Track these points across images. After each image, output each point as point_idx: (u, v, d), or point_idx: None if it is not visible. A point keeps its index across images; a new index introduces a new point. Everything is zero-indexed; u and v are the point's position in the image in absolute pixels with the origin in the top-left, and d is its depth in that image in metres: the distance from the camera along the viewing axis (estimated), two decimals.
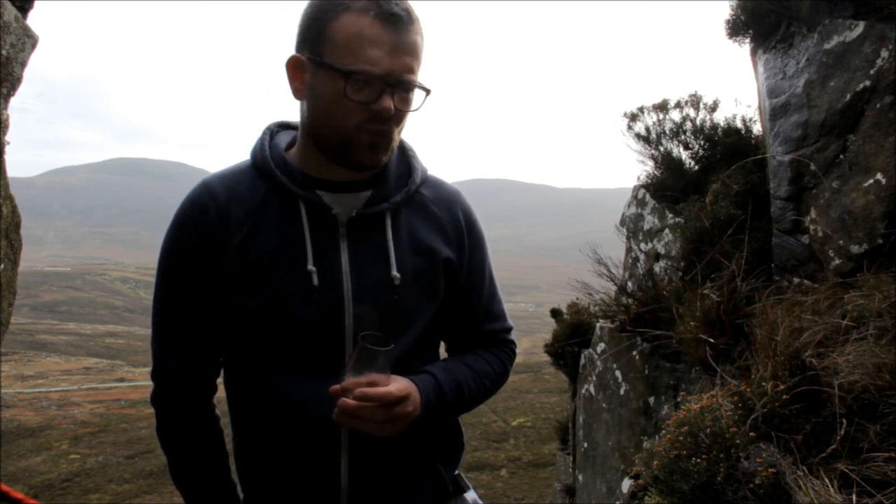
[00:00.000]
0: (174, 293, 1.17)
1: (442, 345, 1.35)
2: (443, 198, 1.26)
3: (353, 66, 1.03)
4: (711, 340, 3.00)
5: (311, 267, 1.12)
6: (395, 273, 1.15)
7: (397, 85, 1.06)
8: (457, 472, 1.35)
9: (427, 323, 1.22)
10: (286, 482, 1.19)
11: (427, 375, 1.18)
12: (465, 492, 1.34)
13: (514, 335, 1.38)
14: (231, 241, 1.12)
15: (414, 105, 1.11)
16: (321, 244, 1.14)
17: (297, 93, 1.12)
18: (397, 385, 1.08)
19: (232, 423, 1.25)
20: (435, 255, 1.21)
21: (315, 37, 1.07)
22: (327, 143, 1.11)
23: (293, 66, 1.10)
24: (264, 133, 1.23)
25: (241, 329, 1.16)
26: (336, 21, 1.04)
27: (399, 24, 1.04)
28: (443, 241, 1.23)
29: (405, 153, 1.26)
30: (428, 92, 1.11)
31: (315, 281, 1.12)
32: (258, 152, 1.19)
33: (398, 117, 1.10)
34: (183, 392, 1.21)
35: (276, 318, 1.13)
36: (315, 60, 1.07)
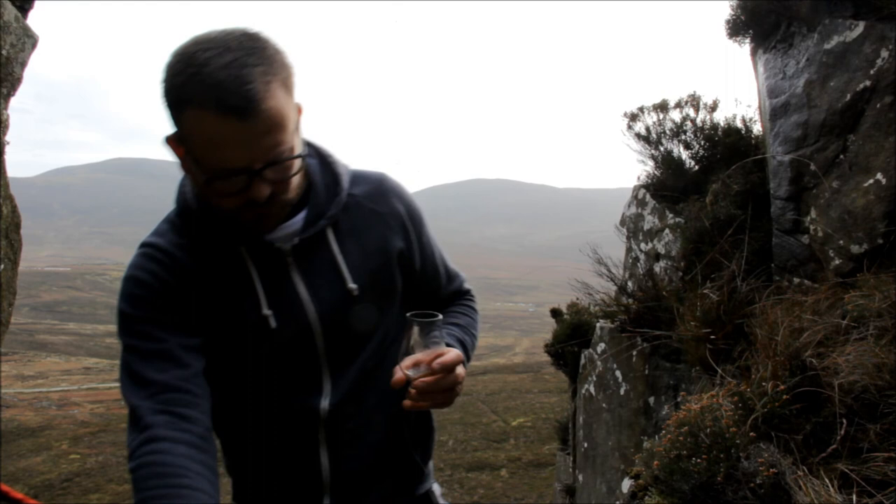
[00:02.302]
0: (137, 346, 1.11)
1: None
2: (374, 191, 1.26)
3: (212, 165, 0.98)
4: (712, 339, 3.00)
5: (265, 311, 1.12)
6: (351, 286, 1.17)
7: (264, 169, 1.00)
8: (430, 460, 1.42)
9: (397, 311, 1.27)
10: (271, 481, 1.24)
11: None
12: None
13: (467, 282, 1.47)
14: (182, 303, 1.11)
15: (292, 170, 1.05)
16: (273, 282, 1.14)
17: (181, 167, 1.08)
18: (453, 350, 1.13)
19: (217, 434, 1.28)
20: (387, 252, 1.23)
21: (174, 122, 1.00)
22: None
23: (171, 143, 1.05)
24: (182, 186, 1.18)
25: (211, 367, 1.15)
26: (183, 114, 0.97)
27: (244, 115, 0.94)
28: (389, 235, 1.24)
29: (326, 160, 1.23)
30: (302, 157, 1.06)
31: (273, 324, 1.13)
32: (183, 209, 1.15)
33: (280, 187, 1.05)
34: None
35: (244, 359, 1.16)
36: (182, 147, 1.03)
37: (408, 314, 1.10)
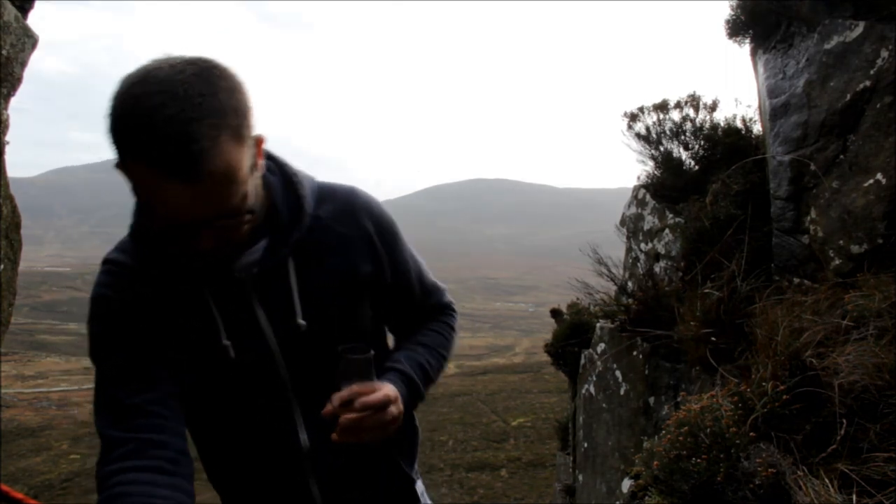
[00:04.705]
0: (109, 369, 1.10)
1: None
2: (341, 210, 1.19)
3: (153, 213, 0.94)
4: (713, 339, 3.00)
5: (224, 341, 1.10)
6: (300, 321, 1.12)
7: (212, 223, 0.95)
8: (416, 460, 1.42)
9: (367, 334, 1.23)
10: None
11: (393, 372, 1.20)
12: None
13: (448, 296, 1.41)
14: (149, 322, 1.09)
15: (243, 219, 0.99)
16: (232, 311, 1.11)
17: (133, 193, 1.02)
18: (387, 387, 1.11)
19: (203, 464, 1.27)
20: (351, 280, 1.18)
21: (118, 161, 0.93)
22: None
23: (120, 170, 0.96)
24: (140, 205, 1.10)
25: (185, 395, 1.14)
26: (126, 161, 0.91)
27: (188, 178, 0.88)
28: (356, 259, 1.18)
29: (289, 180, 1.15)
30: (252, 212, 1.00)
31: (232, 354, 1.10)
32: (141, 232, 1.10)
33: (232, 233, 1.00)
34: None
35: (211, 388, 1.14)
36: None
37: (339, 347, 1.08)
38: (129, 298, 1.09)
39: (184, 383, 1.11)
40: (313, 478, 1.20)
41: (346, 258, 1.18)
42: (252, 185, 0.98)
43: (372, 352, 1.08)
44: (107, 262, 1.13)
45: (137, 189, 0.93)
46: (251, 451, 1.19)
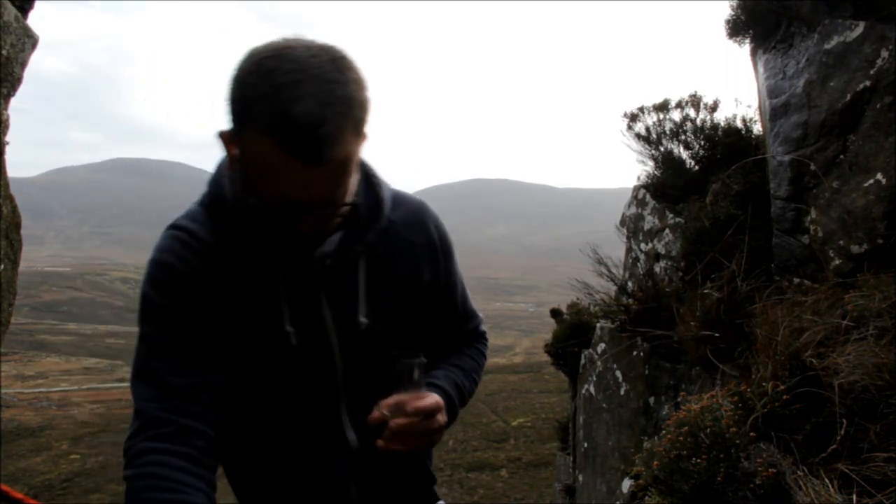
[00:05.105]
0: (158, 339, 1.07)
1: None
2: (412, 218, 1.21)
3: (261, 189, 0.93)
4: (713, 339, 3.00)
5: (288, 328, 1.08)
6: (362, 319, 1.12)
7: (316, 209, 0.95)
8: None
9: (419, 341, 1.23)
10: None
11: (431, 387, 1.19)
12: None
13: (483, 325, 1.43)
14: (209, 298, 1.06)
15: (342, 211, 1.00)
16: (299, 299, 1.09)
17: (230, 165, 1.03)
18: (433, 396, 1.11)
19: (227, 476, 1.24)
20: (415, 286, 1.20)
21: (234, 131, 0.94)
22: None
23: (224, 139, 0.99)
24: (219, 174, 1.09)
25: (229, 388, 1.11)
26: (246, 130, 0.90)
27: (310, 161, 0.88)
28: (420, 266, 1.20)
29: (370, 181, 1.15)
30: (352, 206, 1.02)
31: (293, 341, 1.08)
32: (217, 199, 1.08)
33: (326, 223, 1.01)
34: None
35: (258, 377, 1.11)
36: (236, 152, 0.96)
37: (393, 352, 1.09)
38: (194, 270, 1.05)
39: (229, 372, 1.09)
40: (354, 477, 1.18)
41: (412, 264, 1.19)
42: (354, 181, 1.00)
43: (424, 359, 1.10)
44: (177, 227, 1.09)
45: (250, 161, 0.92)
46: (292, 446, 1.16)
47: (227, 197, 1.06)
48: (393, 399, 1.07)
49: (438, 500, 1.37)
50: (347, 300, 1.13)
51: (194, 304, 1.05)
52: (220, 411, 1.07)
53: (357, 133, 0.93)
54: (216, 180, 1.09)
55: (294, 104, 0.86)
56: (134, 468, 0.98)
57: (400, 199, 1.21)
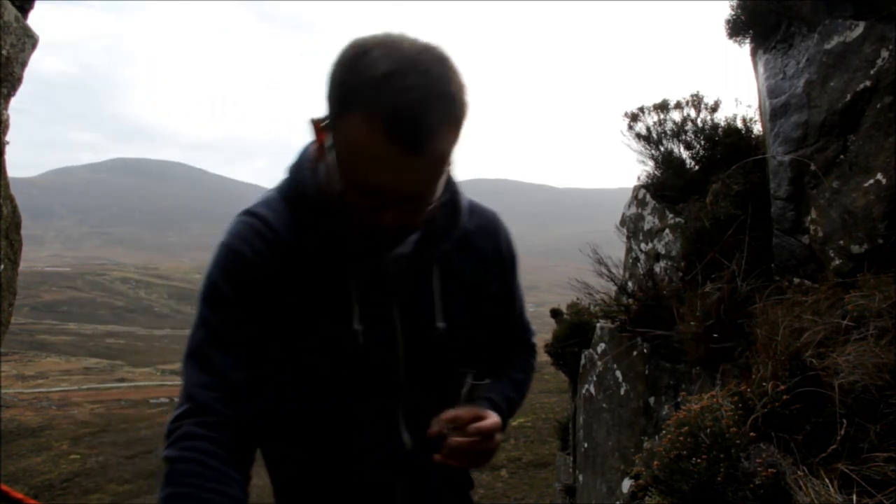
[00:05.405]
0: (219, 327, 1.05)
1: None
2: (484, 228, 1.22)
3: (353, 176, 0.93)
4: (713, 339, 3.00)
5: (357, 326, 1.07)
6: (439, 324, 1.13)
7: (404, 202, 0.95)
8: None
9: (473, 353, 1.23)
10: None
11: (489, 402, 1.20)
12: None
13: (534, 338, 1.44)
14: (277, 291, 1.05)
15: (429, 208, 0.99)
16: (370, 299, 1.08)
17: (317, 153, 1.03)
18: (494, 414, 1.12)
19: (271, 477, 1.24)
20: (483, 296, 1.20)
21: (332, 115, 0.94)
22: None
23: (317, 127, 1.00)
24: (300, 164, 1.08)
25: (281, 380, 1.10)
26: (347, 115, 0.90)
27: (411, 151, 0.88)
28: (489, 275, 1.21)
29: (450, 188, 1.13)
30: (433, 205, 0.99)
31: (361, 340, 1.07)
32: (297, 190, 1.07)
33: (411, 220, 0.99)
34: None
35: (318, 374, 1.10)
36: (330, 140, 0.96)
37: (460, 369, 1.11)
38: (264, 261, 1.04)
39: (289, 367, 1.08)
40: (402, 480, 1.18)
41: (482, 273, 1.20)
42: (443, 181, 0.99)
43: (488, 380, 1.13)
44: (251, 214, 1.07)
45: (346, 146, 0.92)
46: (345, 443, 1.15)
47: (308, 187, 1.05)
48: (451, 413, 1.07)
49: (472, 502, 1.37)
50: (421, 304, 1.12)
51: (260, 297, 1.04)
52: (268, 405, 1.07)
53: (456, 131, 0.93)
54: (298, 169, 1.08)
55: (401, 93, 0.86)
56: (177, 450, 0.98)
57: (475, 209, 1.21)
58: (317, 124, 0.98)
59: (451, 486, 1.30)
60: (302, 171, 1.07)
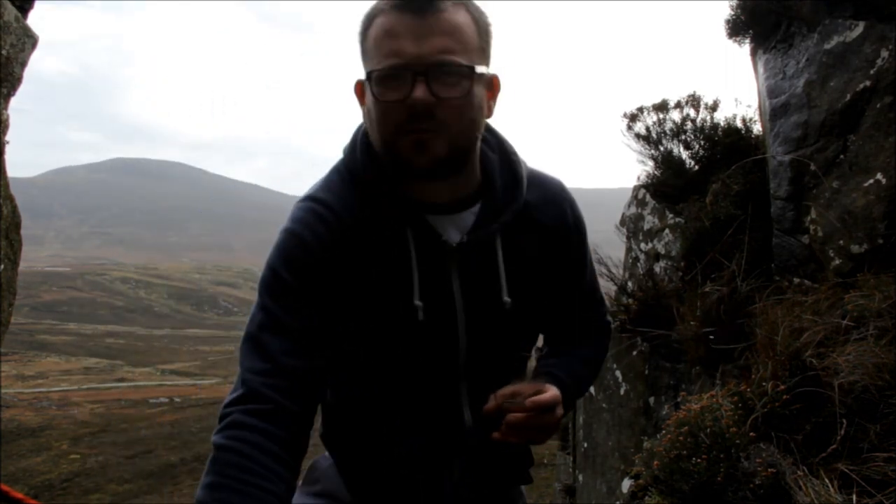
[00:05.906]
0: (277, 313, 1.04)
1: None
2: (550, 200, 1.17)
3: (380, 62, 0.98)
4: (713, 339, 3.00)
5: (417, 302, 1.06)
6: (505, 298, 1.10)
7: (429, 72, 0.96)
8: None
9: (535, 331, 1.22)
10: (396, 484, 1.19)
11: (549, 377, 1.17)
12: None
13: (608, 315, 1.39)
14: (339, 275, 1.05)
15: (461, 90, 0.98)
16: (430, 274, 1.07)
17: (363, 117, 1.07)
18: (553, 388, 1.10)
19: (326, 442, 1.26)
20: (548, 269, 1.17)
21: (362, 55, 1.03)
22: (384, 159, 1.04)
23: (357, 92, 1.06)
24: (360, 143, 1.09)
25: (342, 362, 1.11)
26: (369, 30, 1.01)
27: (421, 11, 0.96)
28: (553, 249, 1.17)
29: (508, 158, 1.14)
30: (471, 70, 0.98)
31: (420, 316, 1.06)
32: (361, 171, 1.07)
33: (445, 107, 0.98)
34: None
35: (383, 349, 1.10)
36: (364, 79, 1.02)
37: (518, 339, 1.11)
38: (326, 247, 1.04)
39: (351, 347, 1.09)
40: (461, 457, 1.17)
41: (547, 246, 1.16)
42: (478, 69, 1.01)
43: (541, 348, 1.14)
44: (311, 199, 1.08)
45: (371, 46, 1.01)
46: (406, 420, 1.15)
47: (360, 165, 1.07)
48: (510, 389, 1.06)
49: (531, 480, 1.34)
50: (485, 279, 1.10)
51: (321, 282, 1.04)
52: (332, 387, 1.09)
53: (475, 23, 1.01)
54: (352, 146, 1.11)
55: None
56: (225, 438, 0.97)
57: (537, 179, 1.18)
58: (358, 86, 1.05)
59: (509, 465, 1.27)
60: (355, 146, 1.10)
